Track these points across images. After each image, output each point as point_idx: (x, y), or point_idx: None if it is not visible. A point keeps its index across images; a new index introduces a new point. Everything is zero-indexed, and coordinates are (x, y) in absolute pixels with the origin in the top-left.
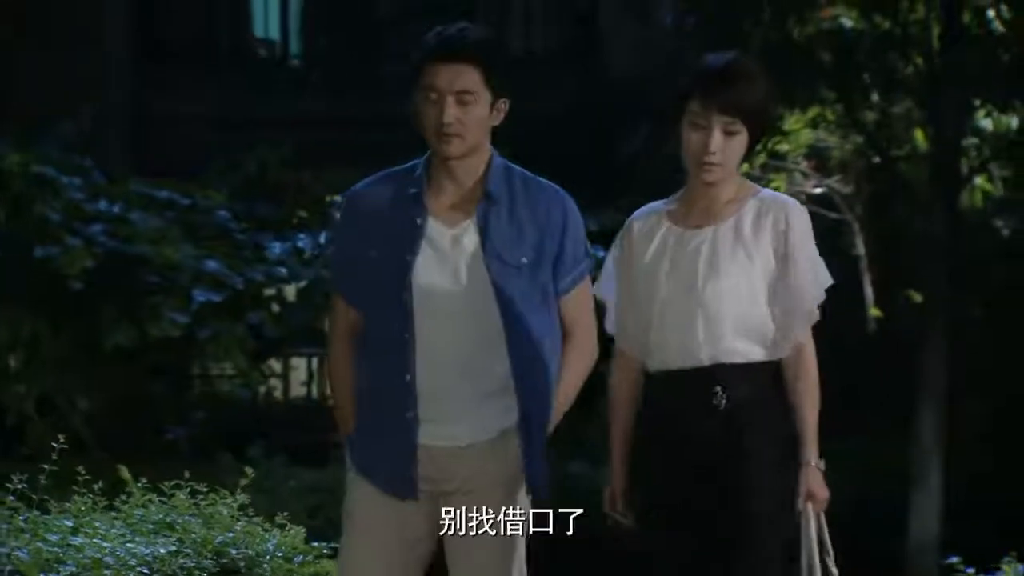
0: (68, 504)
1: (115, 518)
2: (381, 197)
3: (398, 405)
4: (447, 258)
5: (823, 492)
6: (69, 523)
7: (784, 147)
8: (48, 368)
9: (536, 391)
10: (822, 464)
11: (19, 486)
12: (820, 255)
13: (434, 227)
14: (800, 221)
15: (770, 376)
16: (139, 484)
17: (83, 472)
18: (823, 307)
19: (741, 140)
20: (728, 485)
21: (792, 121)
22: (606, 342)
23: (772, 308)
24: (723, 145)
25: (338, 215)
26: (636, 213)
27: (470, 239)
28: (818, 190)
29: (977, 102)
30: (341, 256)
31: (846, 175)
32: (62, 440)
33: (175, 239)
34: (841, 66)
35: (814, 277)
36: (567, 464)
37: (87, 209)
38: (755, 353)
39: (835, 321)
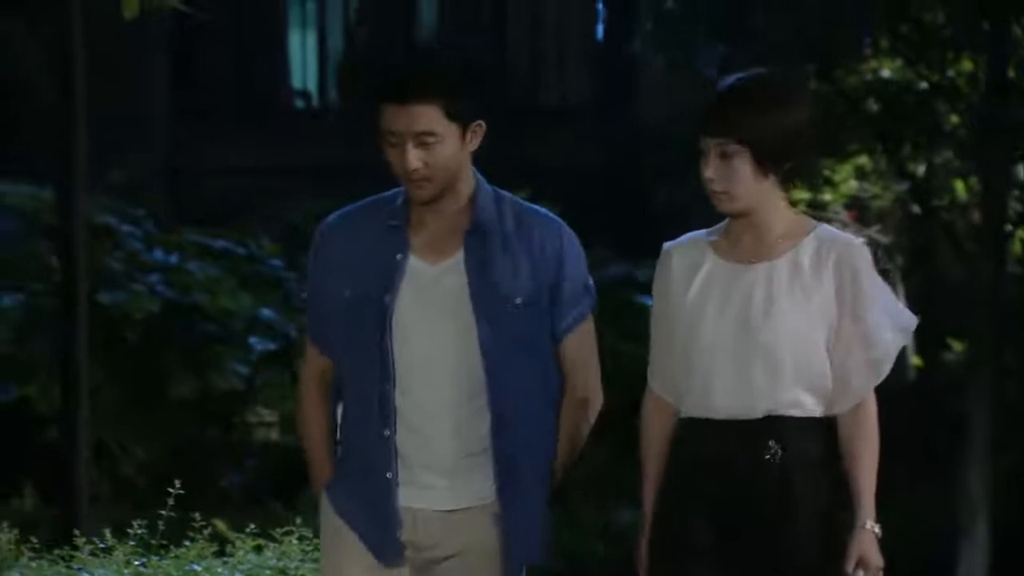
0: (179, 551)
1: (226, 563)
2: (358, 230)
3: (377, 464)
4: (431, 299)
5: (877, 559)
6: (196, 567)
7: (828, 197)
8: (105, 416)
9: (523, 448)
10: (878, 529)
11: (138, 531)
12: None
13: (416, 264)
14: (867, 262)
15: (826, 433)
16: (247, 531)
17: (197, 519)
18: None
19: (742, 162)
20: (774, 548)
21: (839, 171)
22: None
23: (833, 357)
24: (720, 171)
25: (311, 251)
26: (673, 242)
27: (457, 277)
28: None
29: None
30: (313, 297)
31: (885, 225)
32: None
33: (231, 288)
34: (889, 116)
35: (892, 321)
36: (614, 511)
37: (144, 259)
38: (812, 406)
39: None
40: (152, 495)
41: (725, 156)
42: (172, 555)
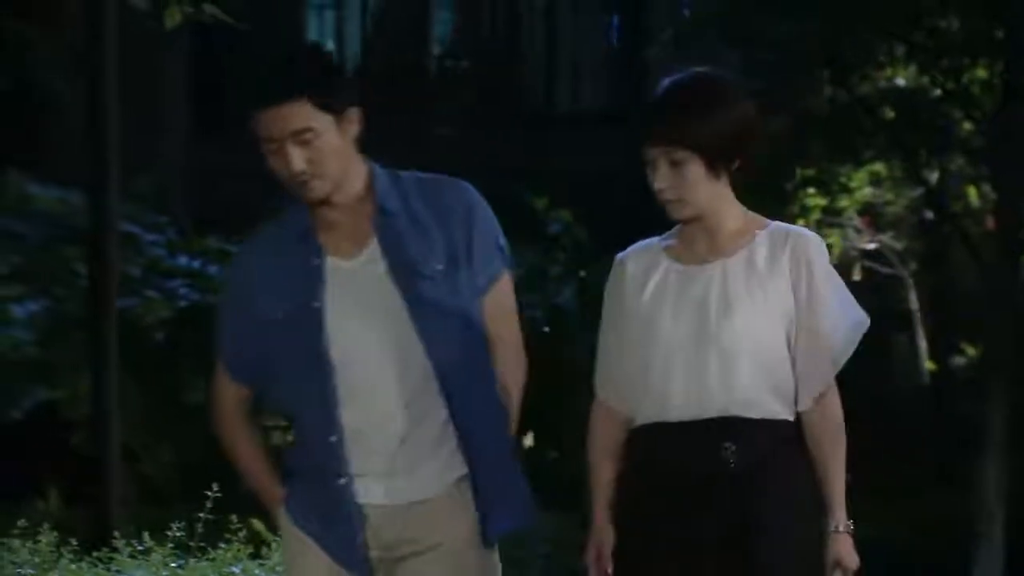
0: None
1: (263, 565)
2: (269, 250)
3: (329, 471)
4: (359, 294)
5: (853, 560)
6: (235, 569)
7: (843, 203)
8: (127, 419)
9: (481, 420)
10: (851, 527)
11: (177, 534)
12: (875, 309)
13: (334, 264)
14: (822, 254)
15: (789, 435)
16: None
17: (234, 521)
18: (875, 361)
19: (693, 169)
20: (739, 557)
21: (855, 178)
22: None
23: (792, 354)
24: (671, 179)
25: (225, 285)
26: (627, 251)
27: (376, 265)
28: (871, 246)
29: None
30: (232, 329)
31: (899, 231)
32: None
33: None
34: (905, 123)
35: (845, 317)
36: None
37: (167, 264)
38: (772, 406)
39: (892, 375)
40: (180, 498)
41: (675, 164)
42: (209, 557)
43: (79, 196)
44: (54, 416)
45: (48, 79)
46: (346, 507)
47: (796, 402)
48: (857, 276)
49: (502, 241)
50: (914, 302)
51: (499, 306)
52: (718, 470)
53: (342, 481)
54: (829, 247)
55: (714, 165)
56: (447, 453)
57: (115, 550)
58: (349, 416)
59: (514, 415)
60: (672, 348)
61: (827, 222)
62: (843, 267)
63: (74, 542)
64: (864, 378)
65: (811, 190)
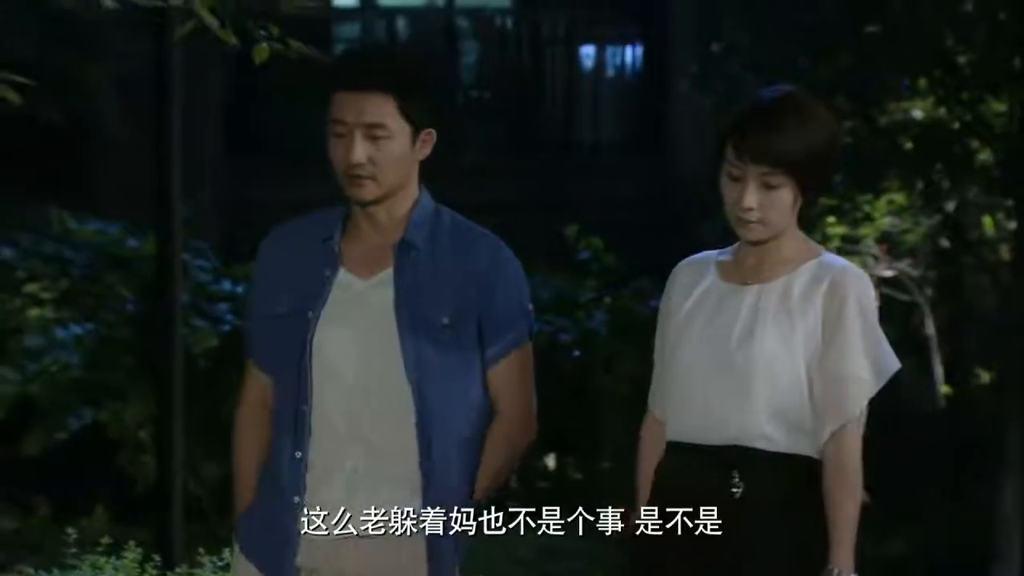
0: None
1: None
2: (295, 244)
3: (286, 487)
4: (357, 315)
5: None
6: None
7: (864, 231)
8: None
9: (445, 472)
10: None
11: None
12: (892, 339)
13: (346, 278)
14: (863, 292)
15: (803, 472)
16: None
17: None
18: (891, 385)
19: (786, 193)
20: None
21: (876, 206)
22: None
23: (813, 391)
24: (761, 200)
25: (253, 272)
26: (688, 259)
27: (385, 292)
28: (889, 273)
29: None
30: (252, 312)
31: (916, 259)
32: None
33: None
34: (926, 153)
35: (869, 359)
36: None
37: (212, 289)
38: (786, 441)
39: (908, 399)
40: (223, 516)
41: (769, 186)
42: None
43: (116, 228)
44: (99, 436)
45: (96, 110)
46: (290, 528)
47: (812, 440)
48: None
49: (528, 306)
50: (931, 328)
51: (508, 379)
52: (722, 500)
53: (295, 499)
54: None
55: (806, 190)
56: (406, 495)
57: (199, 565)
58: (316, 438)
59: (487, 489)
60: (693, 366)
61: (846, 250)
62: None
63: (157, 558)
64: (880, 401)
65: (831, 219)
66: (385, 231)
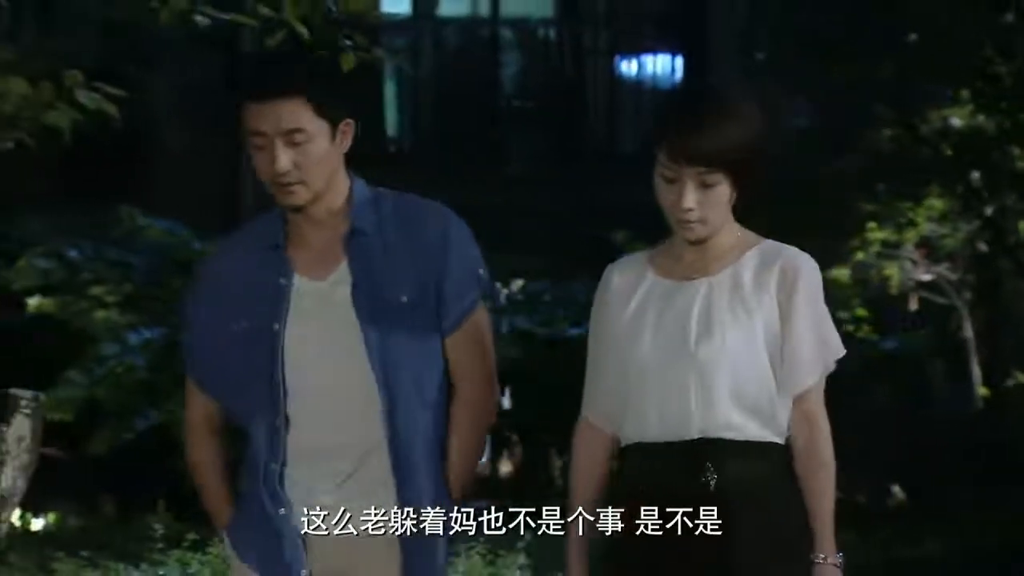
0: None
1: None
2: (239, 259)
3: (271, 499)
4: (321, 318)
5: None
6: None
7: (906, 236)
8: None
9: (420, 464)
10: (839, 559)
11: None
12: (932, 340)
13: (302, 284)
14: (810, 274)
15: (774, 459)
16: None
17: None
18: (929, 386)
19: (723, 190)
20: None
21: (917, 212)
22: None
23: (775, 375)
24: (700, 199)
25: (192, 292)
26: (616, 262)
27: (343, 288)
28: (928, 277)
29: None
30: (197, 338)
31: (954, 263)
32: None
33: None
34: (966, 160)
35: (817, 339)
36: None
37: None
38: (753, 429)
39: (945, 400)
40: None
41: (707, 185)
42: None
43: (184, 230)
44: (162, 436)
45: (161, 118)
46: (287, 540)
47: (776, 424)
48: (914, 306)
49: (482, 271)
50: (968, 331)
51: (469, 343)
52: (698, 493)
53: (282, 511)
54: (887, 278)
55: (742, 187)
56: (384, 494)
57: None
58: (295, 444)
59: (467, 467)
60: (651, 366)
61: (885, 254)
62: (901, 298)
63: None
64: (917, 402)
65: (872, 224)
66: (327, 228)
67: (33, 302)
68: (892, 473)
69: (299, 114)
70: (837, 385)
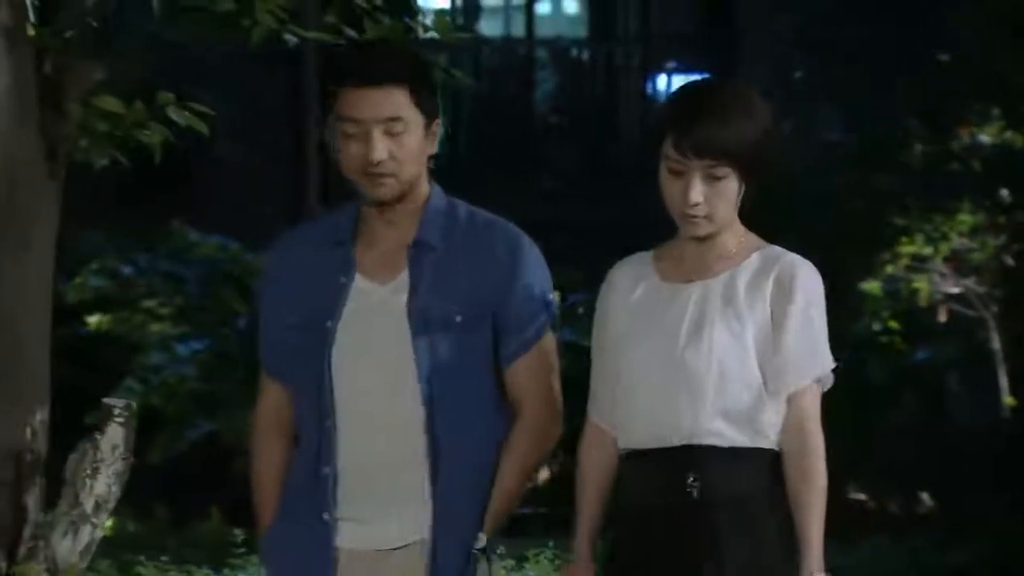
0: None
1: None
2: (305, 250)
3: (314, 505)
4: (376, 323)
5: None
6: None
7: (939, 249)
8: None
9: (461, 486)
10: None
11: None
12: (959, 353)
13: (363, 285)
14: (810, 283)
15: (763, 469)
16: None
17: None
18: (958, 396)
19: (730, 184)
20: None
21: (950, 226)
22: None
23: (765, 380)
24: (707, 193)
25: (261, 280)
26: (620, 262)
27: (401, 297)
28: (956, 290)
29: None
30: (263, 325)
31: (982, 276)
32: None
33: None
34: (994, 176)
35: (808, 344)
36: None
37: None
38: (740, 437)
39: (973, 410)
40: None
41: (714, 179)
42: None
43: (236, 244)
44: (214, 444)
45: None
46: (325, 550)
47: (766, 433)
48: (943, 318)
49: (549, 299)
50: (996, 342)
51: (530, 374)
52: (681, 502)
53: (326, 517)
54: (916, 291)
55: (748, 181)
56: (415, 509)
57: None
58: (343, 451)
59: (513, 495)
60: (640, 370)
61: (915, 267)
62: (930, 310)
63: None
64: (945, 413)
65: (904, 238)
66: (400, 230)
67: (93, 320)
68: (922, 481)
69: (400, 103)
70: (868, 396)
